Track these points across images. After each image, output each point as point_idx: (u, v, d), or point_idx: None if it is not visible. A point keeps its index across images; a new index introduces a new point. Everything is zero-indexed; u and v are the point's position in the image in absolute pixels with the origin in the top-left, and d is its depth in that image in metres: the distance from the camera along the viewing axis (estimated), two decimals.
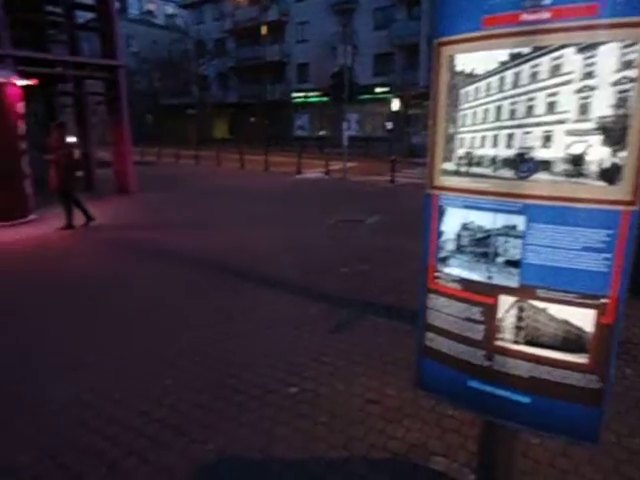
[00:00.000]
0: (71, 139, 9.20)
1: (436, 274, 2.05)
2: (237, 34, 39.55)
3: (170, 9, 51.14)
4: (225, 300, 4.91)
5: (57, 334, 4.16)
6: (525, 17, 1.62)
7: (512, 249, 1.80)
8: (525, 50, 1.65)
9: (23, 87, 8.80)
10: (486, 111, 1.79)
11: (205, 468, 2.52)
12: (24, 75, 9.02)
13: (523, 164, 1.73)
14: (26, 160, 8.94)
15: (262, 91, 37.19)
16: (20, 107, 8.75)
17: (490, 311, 1.89)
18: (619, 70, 1.51)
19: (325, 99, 33.39)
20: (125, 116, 11.56)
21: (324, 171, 16.61)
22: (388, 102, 29.96)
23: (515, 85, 1.71)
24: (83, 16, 13.63)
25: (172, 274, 5.80)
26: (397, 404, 3.04)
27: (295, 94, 37.08)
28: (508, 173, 1.77)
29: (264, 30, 31.85)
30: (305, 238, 7.55)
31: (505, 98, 1.74)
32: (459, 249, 1.96)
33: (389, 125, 29.71)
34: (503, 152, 1.77)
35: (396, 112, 29.57)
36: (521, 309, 1.82)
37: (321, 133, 34.44)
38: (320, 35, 33.89)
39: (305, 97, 36.64)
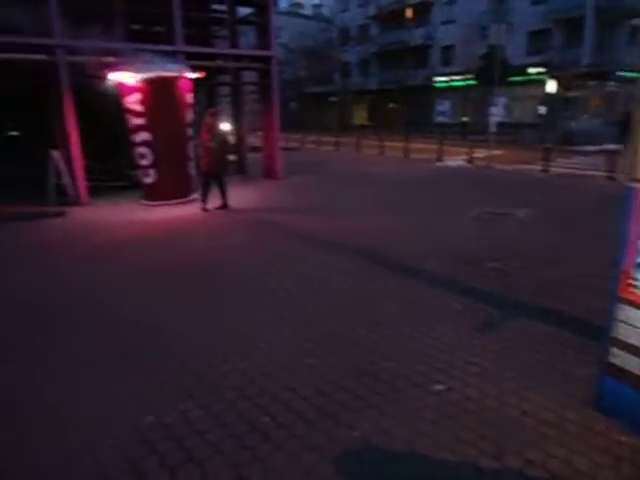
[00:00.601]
0: (225, 125, 9.82)
1: (632, 282, 1.76)
2: (381, 19, 39.25)
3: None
4: (364, 285, 4.93)
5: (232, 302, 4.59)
6: None
7: None
8: None
9: (192, 79, 9.78)
10: None
11: (352, 454, 2.54)
12: (193, 68, 10.00)
13: None
14: (191, 145, 9.99)
15: (403, 76, 36.55)
16: (189, 97, 9.77)
17: None
18: None
19: (471, 82, 31.54)
20: (275, 104, 12.23)
21: (467, 159, 15.78)
22: (542, 84, 27.26)
23: None
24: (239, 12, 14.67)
25: (320, 257, 5.99)
26: (557, 421, 2.74)
27: (438, 78, 35.72)
28: None
29: (409, 13, 31.06)
30: (447, 229, 7.24)
31: None
32: None
33: (542, 109, 27.05)
34: None
35: (551, 95, 26.79)
36: None
37: (464, 119, 32.78)
38: (468, 14, 32.00)
39: (448, 81, 35.10)
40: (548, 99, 26.95)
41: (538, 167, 13.47)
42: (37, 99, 11.64)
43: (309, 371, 3.33)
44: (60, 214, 9.05)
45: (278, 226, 7.65)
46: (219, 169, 8.76)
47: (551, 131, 23.42)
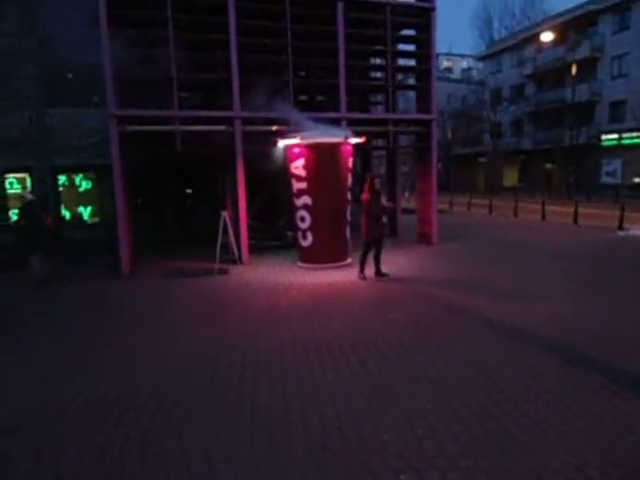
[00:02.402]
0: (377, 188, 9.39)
1: None
2: (537, 78, 37.51)
3: (466, 63, 52.78)
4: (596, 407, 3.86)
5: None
6: None
7: None
8: None
9: (353, 144, 9.84)
10: None
11: None
12: (354, 134, 10.09)
13: None
14: (349, 209, 9.90)
15: (561, 135, 33.91)
16: (350, 162, 9.80)
17: None
18: None
19: None
20: (434, 167, 11.78)
21: None
22: None
23: None
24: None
25: (510, 354, 5.07)
26: None
27: (605, 136, 32.36)
28: None
29: (574, 69, 29.05)
30: None
31: None
32: None
33: None
34: None
35: None
36: None
37: (637, 180, 28.90)
38: None
39: (618, 139, 31.54)
40: None
41: None
42: (210, 165, 12.93)
43: None
44: (224, 272, 9.48)
45: (441, 303, 6.84)
46: (382, 234, 8.48)
47: None
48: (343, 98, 10.69)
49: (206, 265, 9.93)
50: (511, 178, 40.37)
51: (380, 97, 14.49)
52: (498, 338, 5.24)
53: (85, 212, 17.18)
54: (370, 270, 8.52)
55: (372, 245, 8.43)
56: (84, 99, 14.44)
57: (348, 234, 9.92)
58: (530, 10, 49.24)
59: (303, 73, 11.13)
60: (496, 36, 47.84)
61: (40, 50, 14.74)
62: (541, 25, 37.31)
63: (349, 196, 9.87)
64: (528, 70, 38.00)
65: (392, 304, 6.81)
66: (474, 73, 49.27)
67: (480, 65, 46.67)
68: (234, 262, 10.21)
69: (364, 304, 6.93)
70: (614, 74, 32.13)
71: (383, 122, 11.62)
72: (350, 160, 9.82)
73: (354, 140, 9.69)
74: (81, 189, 17.21)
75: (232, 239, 10.19)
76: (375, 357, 4.78)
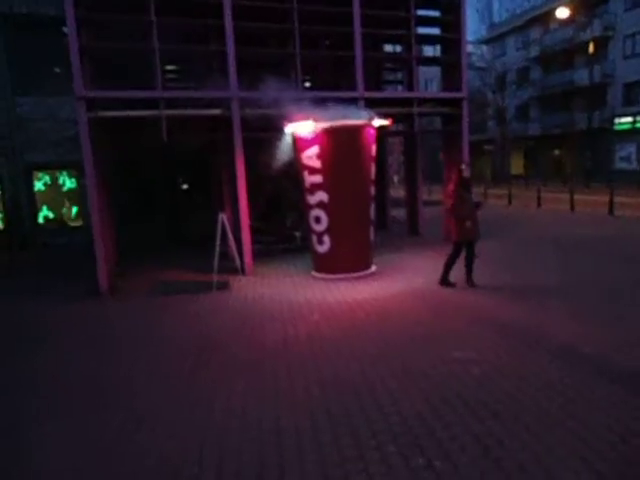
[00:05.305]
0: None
1: None
2: (544, 60, 35.75)
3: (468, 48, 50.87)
4: None
5: None
6: None
7: None
8: None
9: (377, 128, 8.13)
10: None
11: None
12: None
13: None
14: (373, 206, 8.22)
15: (570, 120, 32.28)
16: (373, 150, 8.10)
17: None
18: None
19: None
20: (465, 153, 10.07)
21: None
22: None
23: None
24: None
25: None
26: None
27: (618, 120, 30.74)
28: None
29: (591, 48, 27.31)
30: None
31: None
32: None
33: None
34: None
35: None
36: None
37: None
38: None
39: (633, 122, 29.94)
40: None
41: None
42: (206, 155, 11.18)
43: None
44: (224, 286, 7.80)
45: (520, 330, 5.23)
46: (476, 235, 6.76)
47: None
48: (360, 74, 8.93)
49: (202, 276, 8.25)
50: (518, 165, 38.77)
51: (394, 76, 12.78)
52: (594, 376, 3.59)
53: (70, 214, 15.46)
54: (418, 279, 6.89)
55: (462, 248, 6.77)
56: (61, 86, 12.61)
57: (372, 237, 8.24)
58: None
59: (312, 44, 9.32)
60: (497, 19, 46.06)
61: (5, 29, 12.91)
62: (547, 5, 35.56)
63: (373, 191, 8.16)
64: (534, 53, 36.24)
65: (452, 333, 5.14)
66: (474, 59, 47.40)
67: (479, 51, 44.83)
68: (235, 271, 8.54)
69: (412, 333, 5.23)
70: (627, 54, 30.45)
71: (406, 102, 9.89)
72: (374, 147, 8.10)
73: (379, 122, 7.96)
74: (65, 188, 15.48)
75: (232, 244, 8.50)
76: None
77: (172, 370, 4.61)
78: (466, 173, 6.66)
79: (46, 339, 5.81)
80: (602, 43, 31.31)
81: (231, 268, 8.52)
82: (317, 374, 4.29)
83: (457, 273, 6.91)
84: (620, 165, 30.77)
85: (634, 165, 29.68)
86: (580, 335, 4.82)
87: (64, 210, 15.17)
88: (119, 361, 4.97)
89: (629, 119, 30.18)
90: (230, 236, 8.28)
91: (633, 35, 29.90)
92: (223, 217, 8.03)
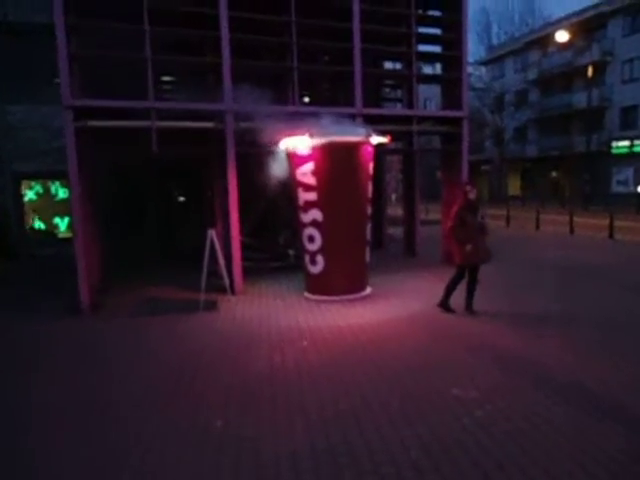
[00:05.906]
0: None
1: None
2: (542, 83, 36.00)
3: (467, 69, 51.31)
4: None
5: None
6: None
7: None
8: None
9: (375, 146, 7.87)
10: None
11: None
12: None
13: None
14: (369, 225, 7.91)
15: (568, 142, 32.36)
16: (370, 167, 7.83)
17: None
18: None
19: None
20: (464, 173, 9.83)
21: None
22: None
23: None
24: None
25: None
26: None
27: (616, 143, 30.82)
28: None
29: (590, 71, 27.40)
30: None
31: None
32: None
33: None
34: None
35: None
36: None
37: None
38: None
39: (630, 146, 30.03)
40: None
41: None
42: (198, 168, 10.90)
43: None
44: (211, 306, 7.44)
45: (532, 364, 4.88)
46: (482, 259, 6.40)
47: None
48: (358, 90, 8.71)
49: (191, 294, 7.90)
50: (515, 186, 38.76)
51: (394, 94, 12.61)
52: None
53: (62, 224, 15.10)
54: (415, 303, 6.57)
55: (465, 272, 6.45)
56: (53, 95, 12.36)
57: (367, 257, 7.92)
58: (529, 16, 48.21)
59: (310, 59, 9.11)
60: (495, 42, 46.57)
61: None
62: (545, 29, 35.94)
63: (369, 210, 7.87)
64: (532, 75, 36.49)
65: (451, 365, 4.79)
66: (472, 80, 47.76)
67: (478, 72, 45.18)
68: (224, 290, 8.17)
69: (408, 363, 4.88)
70: (625, 79, 30.69)
71: (405, 120, 9.67)
72: (371, 165, 7.83)
73: (377, 139, 7.70)
74: (57, 198, 15.13)
75: (222, 262, 8.15)
76: None
77: (145, 400, 4.24)
78: (472, 195, 6.33)
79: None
80: (600, 67, 31.55)
81: (220, 286, 8.17)
82: (300, 405, 3.93)
83: (456, 298, 6.59)
84: (617, 189, 30.77)
85: (631, 188, 29.64)
86: (583, 371, 4.49)
87: (56, 221, 14.81)
88: (83, 389, 4.58)
89: (626, 143, 30.29)
90: (220, 253, 7.94)
91: (631, 60, 30.18)
92: (212, 233, 7.70)
